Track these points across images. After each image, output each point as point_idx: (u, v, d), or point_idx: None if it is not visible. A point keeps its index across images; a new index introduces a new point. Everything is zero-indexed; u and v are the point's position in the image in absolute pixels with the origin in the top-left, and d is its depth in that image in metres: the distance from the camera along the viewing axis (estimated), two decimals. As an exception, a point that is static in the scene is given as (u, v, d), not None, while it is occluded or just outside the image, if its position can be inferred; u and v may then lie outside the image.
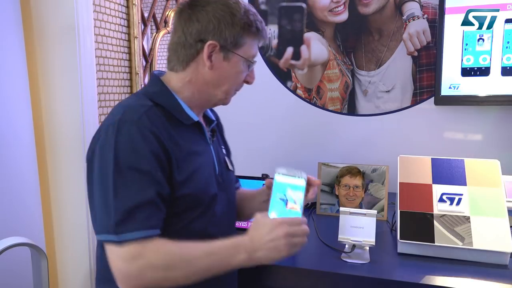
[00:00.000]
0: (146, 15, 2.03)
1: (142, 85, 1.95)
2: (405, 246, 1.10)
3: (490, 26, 1.48)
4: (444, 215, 1.11)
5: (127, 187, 0.79)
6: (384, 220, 1.38)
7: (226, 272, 0.83)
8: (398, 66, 1.70)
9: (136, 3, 1.88)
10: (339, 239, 1.10)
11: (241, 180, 1.32)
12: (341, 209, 1.13)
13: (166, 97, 0.91)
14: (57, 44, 1.55)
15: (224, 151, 1.07)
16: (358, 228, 1.08)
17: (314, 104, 1.81)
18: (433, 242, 1.07)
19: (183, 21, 0.91)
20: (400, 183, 1.20)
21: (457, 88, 1.55)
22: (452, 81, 1.55)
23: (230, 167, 1.05)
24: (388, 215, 1.38)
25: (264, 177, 1.32)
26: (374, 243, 1.07)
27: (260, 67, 1.82)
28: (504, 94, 1.50)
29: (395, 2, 1.67)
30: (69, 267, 1.68)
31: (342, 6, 1.73)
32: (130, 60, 1.92)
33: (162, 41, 2.14)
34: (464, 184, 1.15)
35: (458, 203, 1.12)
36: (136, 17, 1.89)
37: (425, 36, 1.65)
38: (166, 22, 2.20)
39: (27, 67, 1.52)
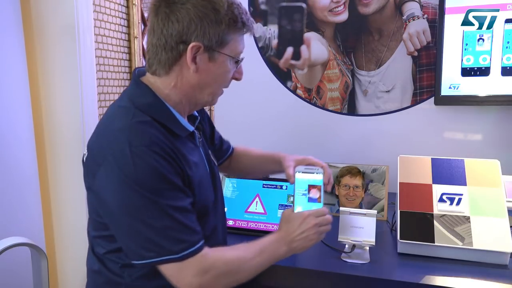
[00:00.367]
0: (146, 15, 2.03)
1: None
2: (405, 246, 1.10)
3: (490, 26, 1.48)
4: (444, 215, 1.11)
5: (169, 203, 0.78)
6: (384, 220, 1.38)
7: None
8: (398, 66, 1.70)
9: (136, 3, 1.88)
10: (339, 239, 1.10)
11: (240, 180, 1.32)
12: (341, 209, 1.13)
13: (161, 109, 0.85)
14: (57, 44, 1.55)
15: (208, 141, 1.07)
16: (358, 228, 1.08)
17: (314, 104, 1.81)
18: (433, 242, 1.07)
19: (161, 21, 0.82)
20: (400, 183, 1.20)
21: (457, 88, 1.55)
22: (452, 81, 1.55)
23: (215, 161, 1.05)
24: (388, 215, 1.38)
25: (264, 177, 1.32)
26: (374, 243, 1.07)
27: (260, 67, 1.82)
28: (504, 94, 1.50)
29: (395, 2, 1.67)
30: (69, 267, 1.68)
31: (342, 6, 1.73)
32: (130, 60, 1.92)
33: (162, 41, 2.14)
34: (464, 184, 1.15)
35: (458, 203, 1.12)
36: (136, 17, 1.89)
37: (425, 36, 1.65)
38: (166, 22, 2.20)
39: (27, 67, 1.52)
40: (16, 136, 1.45)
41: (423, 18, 1.64)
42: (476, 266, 1.04)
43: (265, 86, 1.83)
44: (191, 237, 0.80)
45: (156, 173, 0.77)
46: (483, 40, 1.50)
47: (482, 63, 1.51)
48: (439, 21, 1.57)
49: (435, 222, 1.10)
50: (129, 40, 1.90)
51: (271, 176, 1.31)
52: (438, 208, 1.12)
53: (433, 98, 1.63)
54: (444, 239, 1.07)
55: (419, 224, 1.11)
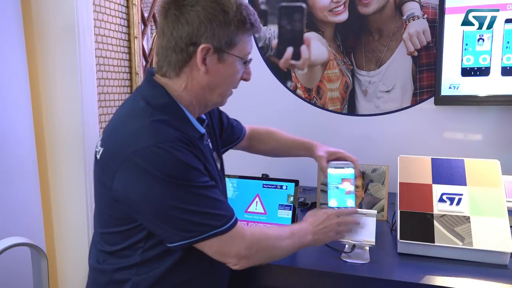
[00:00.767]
0: (146, 15, 2.03)
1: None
2: (405, 246, 1.10)
3: (490, 26, 1.48)
4: (444, 215, 1.11)
5: (203, 185, 0.82)
6: (384, 220, 1.38)
7: (219, 277, 0.95)
8: (398, 66, 1.70)
9: (136, 3, 1.88)
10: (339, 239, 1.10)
11: (240, 180, 1.32)
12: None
13: (176, 110, 0.86)
14: (57, 44, 1.56)
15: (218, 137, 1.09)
16: (358, 228, 1.08)
17: (314, 104, 1.81)
18: (433, 242, 1.07)
19: (170, 23, 0.83)
20: (400, 183, 1.20)
21: (457, 88, 1.55)
22: (452, 81, 1.55)
23: (221, 158, 1.09)
24: (388, 215, 1.38)
25: (264, 177, 1.32)
26: (374, 243, 1.07)
27: (260, 67, 1.83)
28: (504, 94, 1.50)
29: (395, 2, 1.67)
30: (69, 267, 1.68)
31: (342, 6, 1.73)
32: (130, 60, 1.92)
33: (162, 41, 2.14)
34: (464, 184, 1.15)
35: (458, 203, 1.12)
36: (136, 17, 1.89)
37: (425, 36, 1.65)
38: (166, 22, 2.20)
39: (28, 67, 1.52)
40: (17, 135, 1.45)
41: (423, 18, 1.64)
42: (476, 266, 1.04)
43: (265, 86, 1.83)
44: (228, 211, 0.85)
45: (185, 164, 0.79)
46: (483, 40, 1.50)
47: (482, 63, 1.51)
48: (439, 21, 1.57)
49: (435, 222, 1.10)
50: (129, 40, 1.90)
51: (271, 176, 1.31)
52: (438, 208, 1.12)
53: (433, 98, 1.63)
54: (444, 239, 1.07)
55: (419, 224, 1.11)
